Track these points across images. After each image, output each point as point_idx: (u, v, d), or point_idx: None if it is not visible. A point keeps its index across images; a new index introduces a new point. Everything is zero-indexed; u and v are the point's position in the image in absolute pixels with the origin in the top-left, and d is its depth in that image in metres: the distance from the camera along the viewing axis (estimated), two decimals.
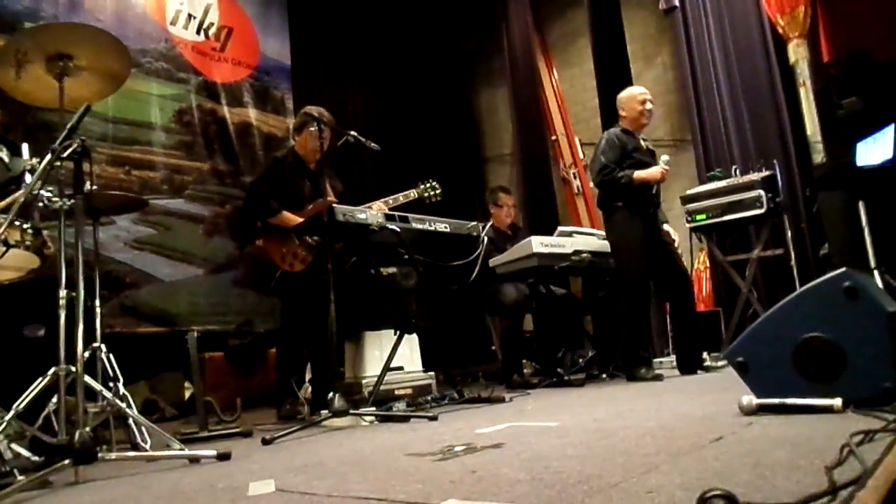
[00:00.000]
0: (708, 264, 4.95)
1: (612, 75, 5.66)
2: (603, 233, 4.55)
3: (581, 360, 4.33)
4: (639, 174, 3.64)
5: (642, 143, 3.88)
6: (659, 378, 3.44)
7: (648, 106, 3.80)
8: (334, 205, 2.92)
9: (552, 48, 6.84)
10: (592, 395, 3.11)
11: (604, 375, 4.03)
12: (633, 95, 3.87)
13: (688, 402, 2.43)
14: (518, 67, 6.38)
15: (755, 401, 1.77)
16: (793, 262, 4.24)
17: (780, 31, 4.53)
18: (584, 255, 3.88)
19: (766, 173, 4.35)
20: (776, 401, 1.74)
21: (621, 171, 3.66)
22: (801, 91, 4.43)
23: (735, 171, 4.61)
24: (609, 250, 4.04)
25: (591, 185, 6.33)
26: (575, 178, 6.46)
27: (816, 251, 4.24)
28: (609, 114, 5.68)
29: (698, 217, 4.48)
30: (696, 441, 1.50)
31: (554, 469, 1.34)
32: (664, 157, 3.74)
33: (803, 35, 4.45)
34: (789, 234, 4.30)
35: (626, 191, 3.66)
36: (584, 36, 6.18)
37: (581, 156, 6.43)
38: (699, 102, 5.11)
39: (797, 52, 4.44)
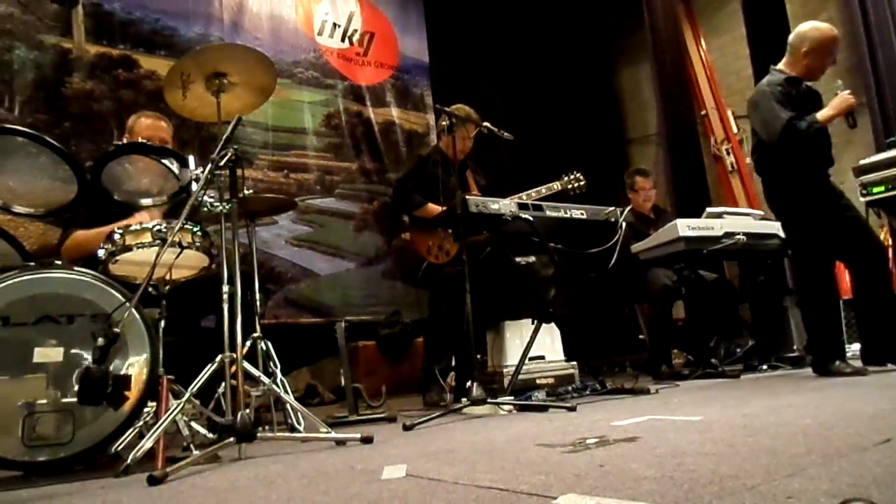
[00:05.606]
0: (890, 242, 4.38)
1: (768, 39, 5.18)
2: (760, 212, 4.20)
3: (738, 351, 4.03)
4: (823, 114, 3.01)
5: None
6: (863, 373, 2.90)
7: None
8: (468, 196, 2.97)
9: (698, 16, 6.40)
10: (747, 388, 2.89)
11: (764, 367, 3.72)
12: (825, 36, 3.11)
13: (856, 398, 2.17)
14: (661, 40, 6.02)
15: None
16: None
17: None
18: (738, 237, 3.60)
19: None
20: None
21: (803, 120, 3.01)
22: None
23: None
24: (768, 231, 3.74)
25: (748, 160, 5.88)
26: (728, 154, 6.01)
27: None
28: None
29: (876, 189, 3.96)
30: (856, 442, 1.35)
31: (687, 467, 1.27)
32: (838, 82, 3.10)
33: None
34: None
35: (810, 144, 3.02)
36: None
37: (735, 130, 5.97)
38: (875, 60, 4.51)
39: None
